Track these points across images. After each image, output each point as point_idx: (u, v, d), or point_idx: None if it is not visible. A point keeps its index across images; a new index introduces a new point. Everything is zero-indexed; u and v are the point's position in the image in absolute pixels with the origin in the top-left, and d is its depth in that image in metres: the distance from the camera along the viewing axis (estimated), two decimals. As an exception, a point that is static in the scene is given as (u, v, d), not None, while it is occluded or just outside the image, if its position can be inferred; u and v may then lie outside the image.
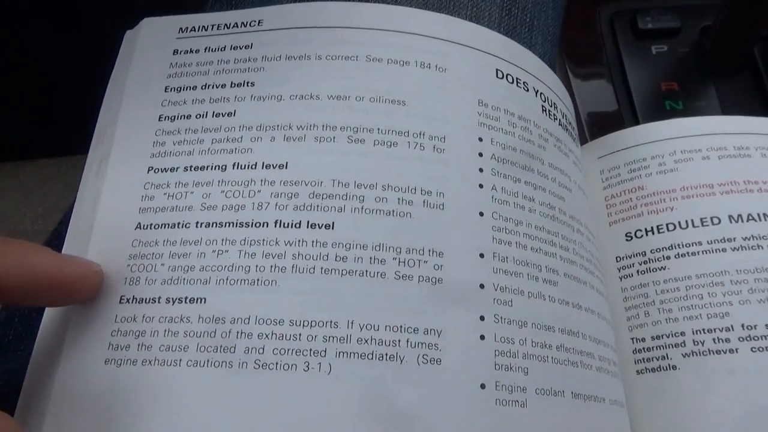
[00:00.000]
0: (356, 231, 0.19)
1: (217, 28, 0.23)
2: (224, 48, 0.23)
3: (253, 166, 0.20)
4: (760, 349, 0.24)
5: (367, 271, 0.19)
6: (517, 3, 0.27)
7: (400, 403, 0.17)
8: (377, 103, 0.21)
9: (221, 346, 0.17)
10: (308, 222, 0.19)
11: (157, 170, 0.21)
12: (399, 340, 0.18)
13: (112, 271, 0.19)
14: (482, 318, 0.19)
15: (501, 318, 0.19)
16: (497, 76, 0.24)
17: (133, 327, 0.18)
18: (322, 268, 0.19)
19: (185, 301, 0.18)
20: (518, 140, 0.23)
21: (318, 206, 0.19)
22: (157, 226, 0.19)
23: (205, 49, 0.23)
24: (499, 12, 0.26)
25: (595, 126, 0.48)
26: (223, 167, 0.20)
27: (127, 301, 0.18)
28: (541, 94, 0.25)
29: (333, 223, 0.19)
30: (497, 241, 0.20)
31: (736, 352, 0.24)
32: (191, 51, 0.23)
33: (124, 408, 0.17)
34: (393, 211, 0.20)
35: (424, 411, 0.17)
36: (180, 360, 0.17)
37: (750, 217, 0.26)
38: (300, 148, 0.20)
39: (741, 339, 0.24)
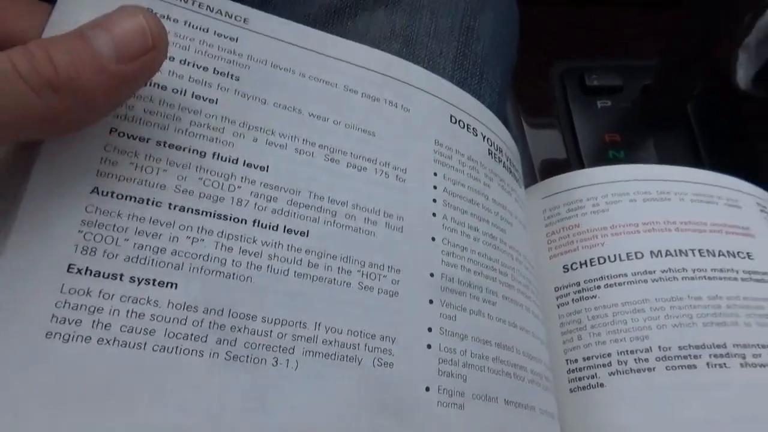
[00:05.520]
0: (327, 242, 0.21)
1: (200, 6, 0.22)
2: (207, 30, 0.22)
3: (235, 161, 0.20)
4: (674, 367, 0.27)
5: (335, 279, 0.20)
6: (468, 59, 0.30)
7: (356, 400, 0.19)
8: (351, 130, 0.23)
9: (192, 335, 0.18)
10: (285, 227, 0.20)
11: (122, 134, 0.19)
12: (359, 344, 0.20)
13: (58, 233, 0.17)
14: (430, 329, 0.22)
15: (445, 330, 0.22)
16: (451, 120, 0.27)
17: (87, 302, 0.17)
18: (295, 272, 0.20)
19: (154, 284, 0.18)
20: (467, 177, 0.26)
21: (295, 213, 0.21)
22: (120, 197, 0.18)
23: (186, 23, 0.21)
24: (453, 66, 0.30)
25: (546, 171, 0.52)
26: (202, 153, 0.20)
27: (79, 271, 0.17)
28: (488, 139, 0.28)
29: (308, 231, 0.21)
30: (445, 264, 0.23)
31: (654, 370, 0.27)
32: (169, 18, 0.21)
33: (74, 387, 0.16)
34: (360, 228, 0.22)
35: (376, 410, 0.20)
36: (145, 344, 0.17)
37: (668, 253, 0.30)
38: (281, 155, 0.21)
39: (658, 359, 0.27)
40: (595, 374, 0.28)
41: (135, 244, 0.18)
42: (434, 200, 0.24)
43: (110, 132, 0.19)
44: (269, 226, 0.20)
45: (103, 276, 0.17)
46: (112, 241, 0.18)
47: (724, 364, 0.27)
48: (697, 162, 0.50)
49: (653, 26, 0.55)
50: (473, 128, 0.28)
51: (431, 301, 0.22)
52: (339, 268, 0.21)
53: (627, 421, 0.27)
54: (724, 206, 0.32)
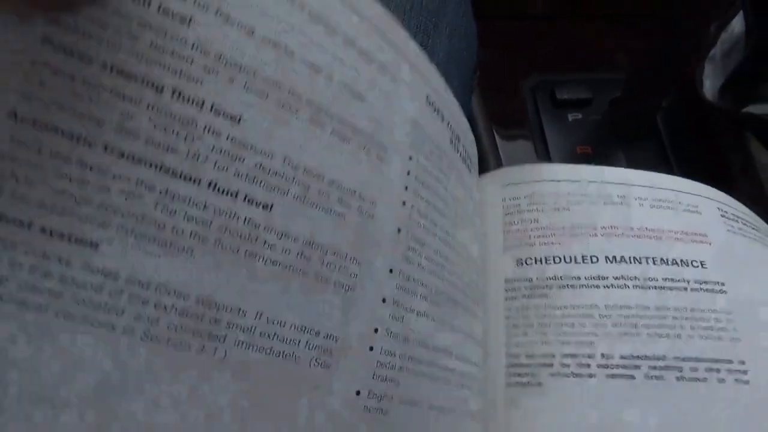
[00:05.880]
0: (292, 220, 0.18)
1: None
2: None
3: (200, 104, 0.16)
4: (614, 376, 0.27)
5: (291, 266, 0.18)
6: None
7: (279, 400, 0.18)
8: (343, 89, 0.20)
9: (106, 304, 0.15)
10: (246, 195, 0.17)
11: (58, 48, 0.15)
12: (300, 341, 0.18)
13: None
14: (376, 330, 0.21)
15: (390, 332, 0.21)
16: (427, 101, 0.25)
17: None
18: (246, 251, 0.17)
19: (69, 240, 0.15)
20: (434, 166, 0.25)
21: (262, 181, 0.17)
22: (43, 127, 0.14)
23: None
24: None
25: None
26: (159, 88, 0.16)
27: None
28: (450, 126, 0.27)
29: (272, 204, 0.17)
30: (405, 260, 0.22)
31: (594, 377, 0.27)
32: None
33: None
34: (331, 209, 0.19)
35: (301, 409, 0.18)
36: (47, 306, 0.14)
37: (622, 259, 0.30)
38: (260, 106, 0.17)
39: (599, 366, 0.27)
40: (536, 372, 0.28)
41: (53, 188, 0.14)
42: (406, 188, 0.22)
43: (43, 42, 0.14)
44: (227, 192, 0.16)
45: (7, 220, 0.14)
46: (26, 181, 0.14)
47: (661, 376, 0.27)
48: (668, 173, 0.51)
49: (622, 40, 0.56)
50: (441, 113, 0.26)
51: (384, 300, 0.21)
52: (298, 253, 0.18)
53: (560, 421, 0.27)
54: (683, 212, 0.32)
